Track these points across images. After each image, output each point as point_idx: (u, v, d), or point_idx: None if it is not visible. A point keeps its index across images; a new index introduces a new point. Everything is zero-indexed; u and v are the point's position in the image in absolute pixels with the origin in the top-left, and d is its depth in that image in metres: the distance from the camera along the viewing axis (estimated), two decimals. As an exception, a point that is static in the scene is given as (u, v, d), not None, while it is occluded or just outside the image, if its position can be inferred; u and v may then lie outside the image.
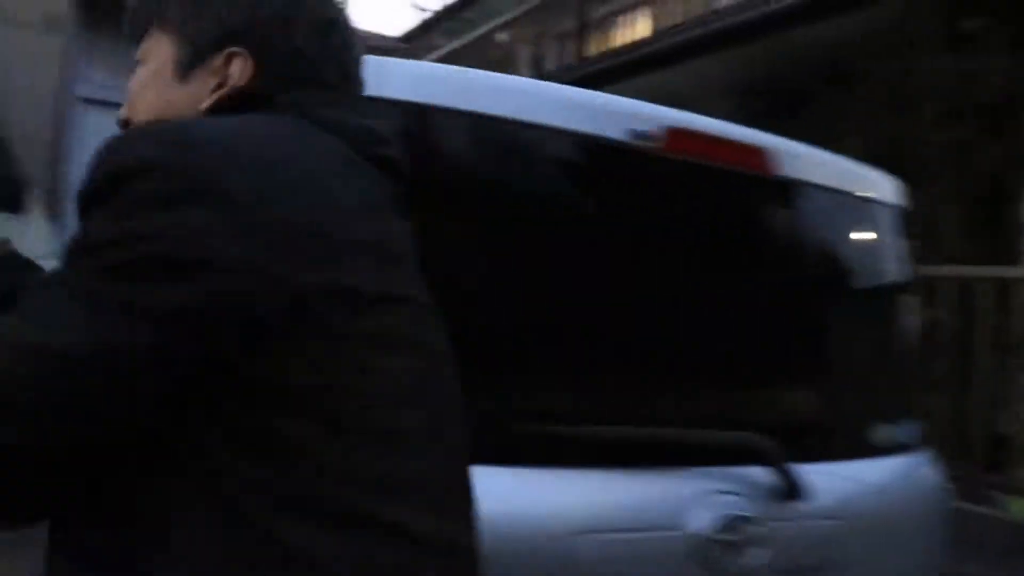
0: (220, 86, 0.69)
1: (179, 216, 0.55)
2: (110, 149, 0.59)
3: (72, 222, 0.66)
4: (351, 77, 0.75)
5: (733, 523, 1.20)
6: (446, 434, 0.66)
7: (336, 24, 0.74)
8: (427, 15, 12.32)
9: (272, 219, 0.57)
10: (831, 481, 1.33)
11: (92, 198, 0.58)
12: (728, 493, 1.22)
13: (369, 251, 0.62)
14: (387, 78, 1.08)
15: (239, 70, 0.69)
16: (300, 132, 0.66)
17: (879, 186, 1.59)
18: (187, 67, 0.70)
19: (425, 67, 1.50)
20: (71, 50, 4.95)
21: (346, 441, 0.57)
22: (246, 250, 0.55)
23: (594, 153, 1.28)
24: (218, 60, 0.69)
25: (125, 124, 0.74)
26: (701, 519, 1.19)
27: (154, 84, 0.72)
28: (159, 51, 0.72)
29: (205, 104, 0.69)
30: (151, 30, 0.73)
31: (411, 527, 0.59)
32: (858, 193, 1.54)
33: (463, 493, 0.68)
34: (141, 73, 0.73)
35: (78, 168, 5.04)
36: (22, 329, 0.55)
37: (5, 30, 6.63)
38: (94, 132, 4.96)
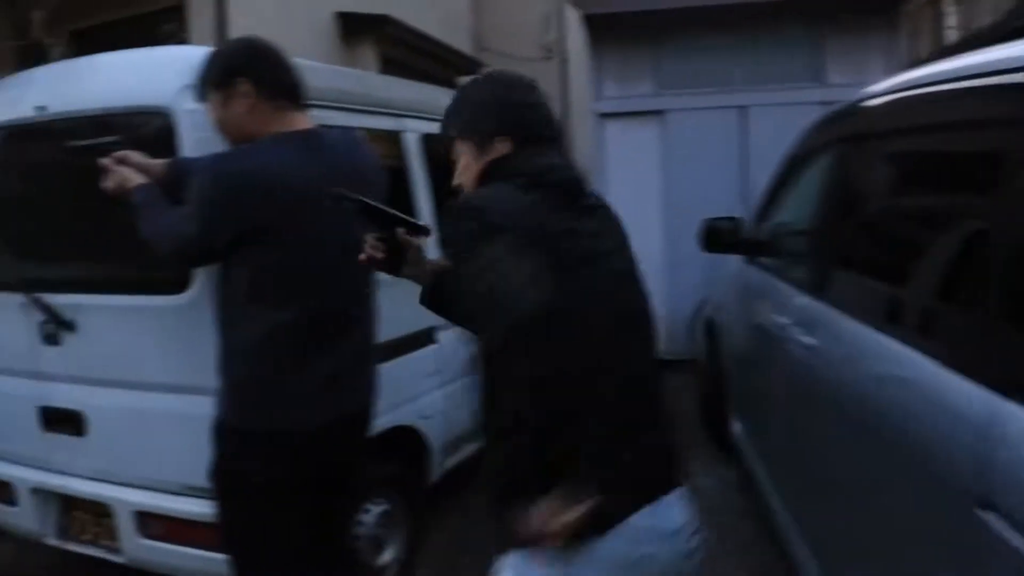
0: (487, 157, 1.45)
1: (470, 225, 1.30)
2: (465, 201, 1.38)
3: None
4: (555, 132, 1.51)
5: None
6: None
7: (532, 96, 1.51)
8: None
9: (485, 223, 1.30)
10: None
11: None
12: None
13: None
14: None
15: (502, 147, 1.45)
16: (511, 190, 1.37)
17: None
18: (479, 152, 1.45)
19: None
20: (590, 73, 6.42)
21: None
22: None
23: None
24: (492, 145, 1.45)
25: (459, 188, 1.49)
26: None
27: (468, 167, 1.46)
28: (465, 148, 1.47)
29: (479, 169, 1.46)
30: (459, 139, 1.48)
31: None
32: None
33: None
34: (464, 160, 1.48)
35: (602, 173, 5.35)
36: None
37: (511, 63, 8.79)
38: (612, 142, 6.36)
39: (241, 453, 1.89)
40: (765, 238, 3.49)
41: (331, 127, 2.01)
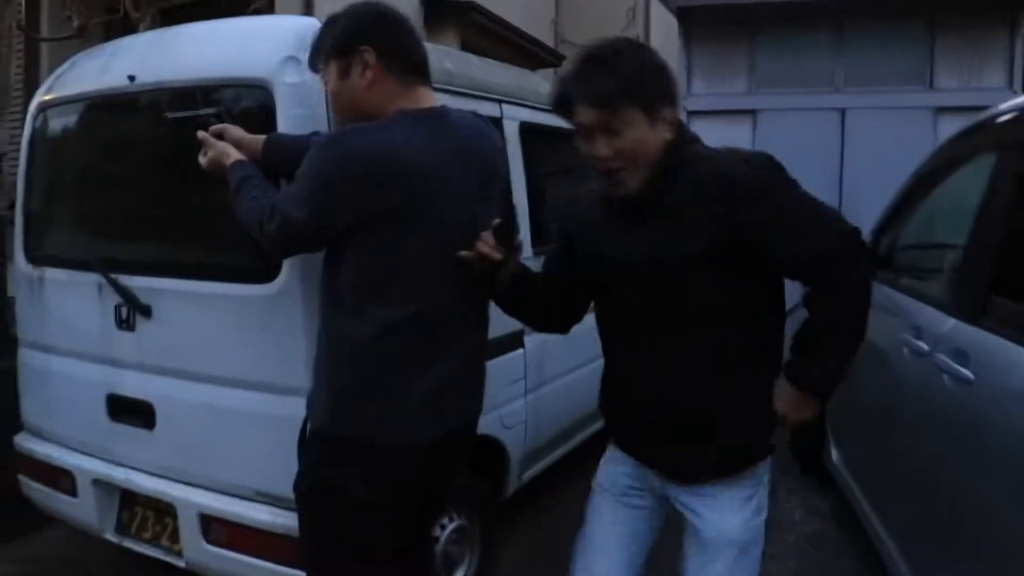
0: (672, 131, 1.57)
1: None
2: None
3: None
4: None
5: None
6: None
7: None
8: None
9: None
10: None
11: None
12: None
13: None
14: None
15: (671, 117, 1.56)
16: None
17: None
18: (651, 123, 1.53)
19: None
20: (681, 71, 6.23)
21: None
22: None
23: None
24: (665, 115, 1.55)
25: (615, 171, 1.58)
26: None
27: (643, 138, 1.53)
28: (635, 119, 1.52)
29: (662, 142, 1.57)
30: (626, 107, 1.51)
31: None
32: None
33: None
34: (635, 133, 1.53)
35: None
36: None
37: None
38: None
39: (337, 465, 1.69)
40: (889, 252, 3.18)
41: (454, 108, 1.78)
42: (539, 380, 3.11)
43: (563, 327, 1.93)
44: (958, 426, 2.06)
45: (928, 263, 2.81)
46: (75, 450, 2.61)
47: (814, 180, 5.98)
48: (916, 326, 2.49)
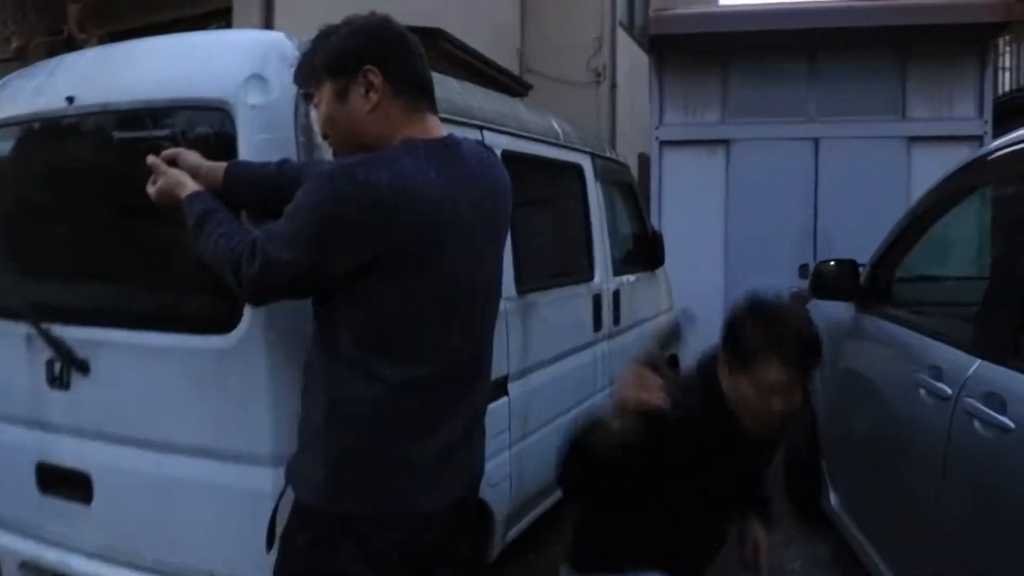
0: None
1: None
2: None
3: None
4: None
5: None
6: None
7: None
8: None
9: None
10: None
11: None
12: None
13: None
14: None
15: None
16: None
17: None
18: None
19: None
20: (652, 100, 6.16)
21: None
22: None
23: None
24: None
25: None
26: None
27: None
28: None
29: None
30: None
31: None
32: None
33: None
34: None
35: (660, 201, 4.99)
36: None
37: (557, 86, 9.77)
38: (672, 171, 6.11)
39: (334, 546, 1.45)
40: (889, 285, 3.02)
41: (465, 138, 1.56)
42: (524, 430, 2.87)
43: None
44: (996, 476, 1.90)
45: (940, 297, 2.65)
46: (2, 528, 2.27)
47: (788, 209, 5.92)
48: (933, 366, 2.31)
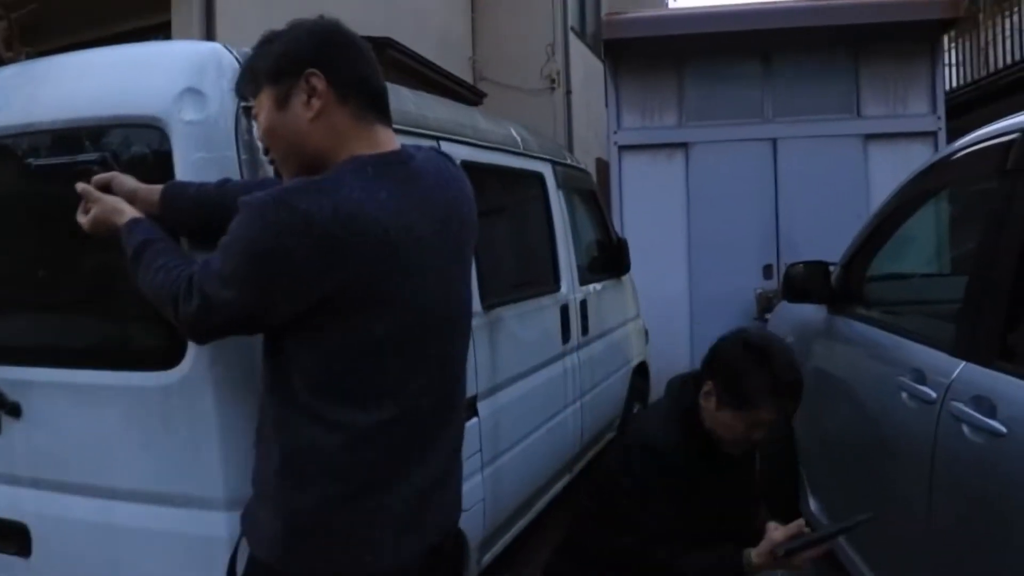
0: None
1: None
2: None
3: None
4: None
5: None
6: None
7: None
8: None
9: None
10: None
11: None
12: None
13: None
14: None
15: None
16: None
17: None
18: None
19: None
20: (609, 106, 6.07)
21: None
22: None
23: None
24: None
25: None
26: None
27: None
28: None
29: None
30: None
31: None
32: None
33: None
34: None
35: (621, 206, 4.63)
36: None
37: (511, 94, 9.82)
38: (631, 176, 6.02)
39: None
40: (861, 285, 2.97)
41: (414, 146, 1.43)
42: (496, 450, 2.76)
43: None
44: (989, 483, 1.84)
45: (912, 296, 2.60)
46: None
47: (750, 210, 5.89)
48: (915, 369, 2.26)
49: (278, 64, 1.33)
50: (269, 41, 1.37)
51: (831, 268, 3.11)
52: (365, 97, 1.34)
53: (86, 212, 1.54)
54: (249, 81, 1.38)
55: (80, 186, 1.56)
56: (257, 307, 1.26)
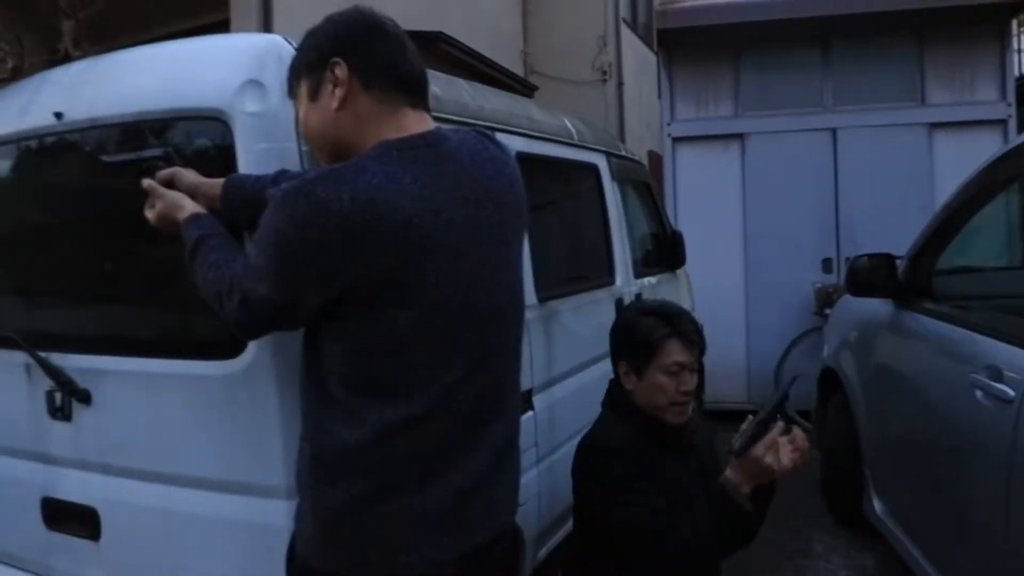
0: None
1: None
2: None
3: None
4: None
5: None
6: None
7: None
8: None
9: None
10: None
11: None
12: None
13: None
14: None
15: None
16: None
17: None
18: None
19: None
20: (663, 97, 6.02)
21: None
22: None
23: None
24: None
25: None
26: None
27: None
28: None
29: None
30: None
31: None
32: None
33: None
34: None
35: (675, 199, 6.11)
36: None
37: (563, 87, 9.80)
38: (685, 168, 5.99)
39: None
40: (929, 279, 2.87)
41: (452, 128, 1.40)
42: (552, 444, 2.73)
43: None
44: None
45: (986, 291, 2.50)
46: (8, 565, 2.17)
47: (808, 202, 5.72)
48: (990, 366, 2.16)
49: (308, 57, 1.33)
50: (305, 37, 1.38)
51: (897, 261, 3.00)
52: (390, 80, 1.31)
53: (152, 207, 1.58)
54: (290, 79, 1.39)
55: (146, 182, 1.59)
56: (290, 300, 1.25)
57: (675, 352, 1.91)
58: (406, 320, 1.23)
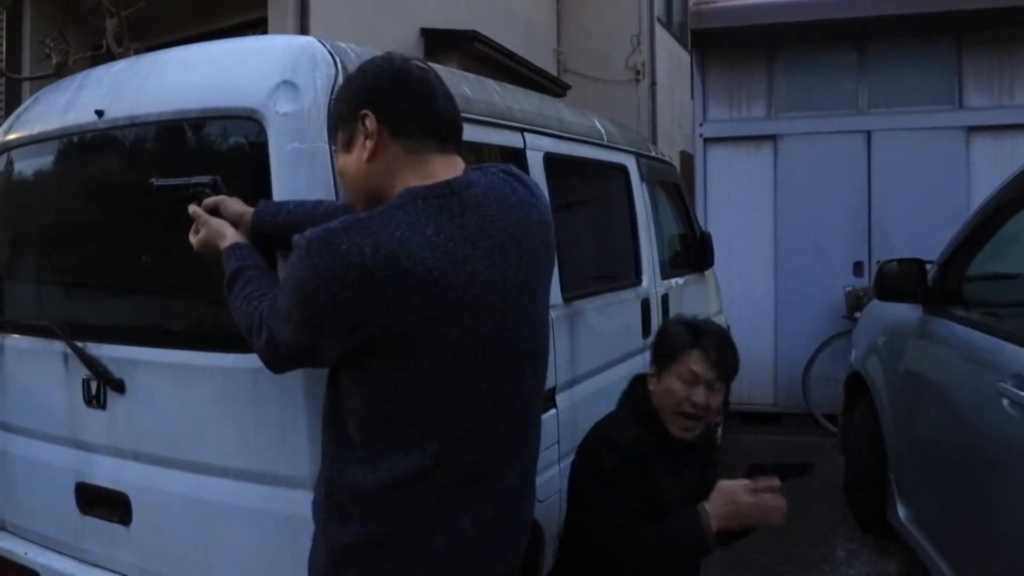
0: None
1: None
2: None
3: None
4: None
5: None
6: None
7: None
8: None
9: None
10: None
11: None
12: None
13: None
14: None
15: None
16: None
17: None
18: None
19: None
20: (696, 97, 5.97)
21: None
22: None
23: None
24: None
25: None
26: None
27: None
28: None
29: None
30: None
31: None
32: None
33: None
34: None
35: (705, 200, 6.10)
36: None
37: (596, 85, 9.83)
38: (717, 169, 5.94)
39: None
40: (960, 286, 2.84)
41: (482, 168, 1.40)
42: (573, 442, 2.74)
43: None
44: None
45: (1017, 298, 2.46)
46: (43, 547, 2.23)
47: (841, 206, 5.67)
48: (1018, 374, 2.14)
49: (339, 109, 1.37)
50: (340, 88, 1.42)
51: (928, 266, 2.97)
52: (417, 128, 1.31)
53: (196, 233, 1.63)
54: (329, 130, 1.43)
55: (192, 208, 1.63)
56: (311, 346, 1.27)
57: (693, 362, 1.98)
58: (424, 371, 1.24)
